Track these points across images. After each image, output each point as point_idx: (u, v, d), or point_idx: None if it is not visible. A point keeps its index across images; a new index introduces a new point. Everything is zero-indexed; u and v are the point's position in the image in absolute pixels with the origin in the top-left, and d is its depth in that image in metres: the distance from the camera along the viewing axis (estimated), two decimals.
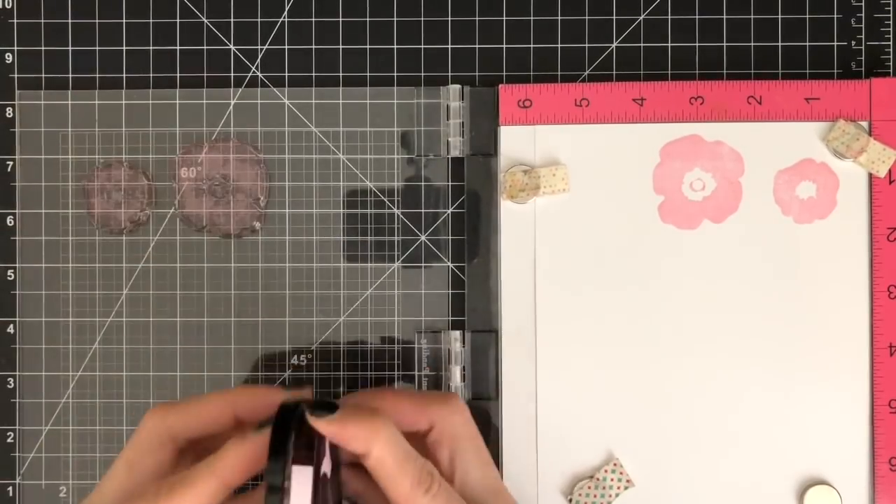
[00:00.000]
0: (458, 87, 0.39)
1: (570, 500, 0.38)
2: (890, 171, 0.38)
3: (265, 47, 0.40)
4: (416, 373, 0.39)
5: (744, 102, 0.38)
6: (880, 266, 0.38)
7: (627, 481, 0.38)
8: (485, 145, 0.39)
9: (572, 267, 0.39)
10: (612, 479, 0.38)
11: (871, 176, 0.38)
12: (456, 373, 0.39)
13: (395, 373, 0.40)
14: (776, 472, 0.38)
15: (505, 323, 0.39)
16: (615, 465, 0.38)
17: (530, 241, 0.39)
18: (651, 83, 0.39)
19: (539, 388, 0.38)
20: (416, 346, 0.40)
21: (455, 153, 0.39)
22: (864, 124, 0.38)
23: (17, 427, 0.40)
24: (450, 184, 0.40)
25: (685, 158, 0.39)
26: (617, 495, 0.38)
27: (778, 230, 0.38)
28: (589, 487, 0.38)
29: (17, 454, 0.40)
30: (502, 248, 0.39)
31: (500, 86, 0.39)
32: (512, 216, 0.39)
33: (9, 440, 0.40)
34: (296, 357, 0.40)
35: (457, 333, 0.39)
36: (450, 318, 0.40)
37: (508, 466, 0.38)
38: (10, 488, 0.40)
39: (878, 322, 0.38)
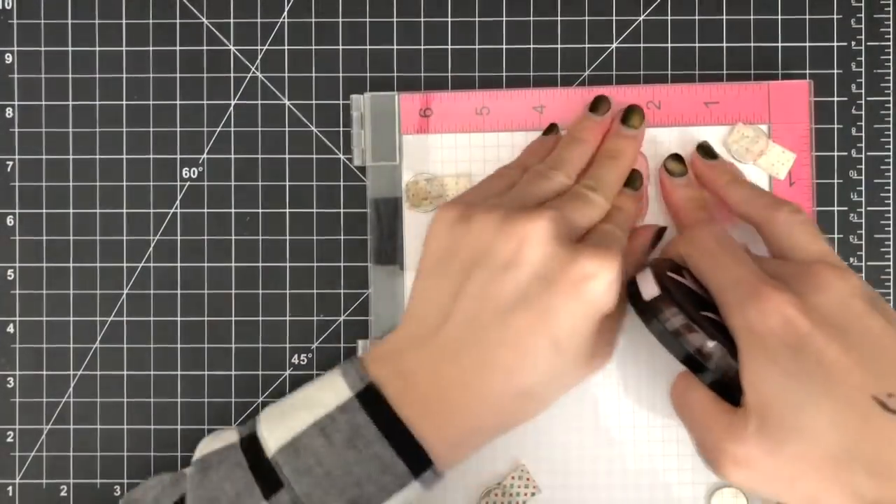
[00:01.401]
0: (359, 96, 0.39)
1: None
2: (790, 173, 0.38)
3: (265, 47, 0.40)
4: None
5: (643, 108, 0.38)
6: None
7: (534, 488, 0.38)
8: (387, 153, 0.39)
9: None
10: (518, 486, 0.38)
11: (771, 178, 0.38)
12: None
13: None
14: (685, 476, 0.38)
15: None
16: (522, 471, 0.38)
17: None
18: (550, 90, 0.39)
19: None
20: None
21: (357, 161, 0.39)
22: (764, 127, 0.38)
23: (16, 427, 0.40)
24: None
25: None
26: (524, 502, 0.38)
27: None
28: (496, 495, 0.38)
29: (16, 454, 0.40)
30: (406, 254, 0.39)
31: (401, 94, 0.39)
32: (416, 223, 0.39)
33: (9, 440, 0.40)
34: (296, 357, 0.40)
35: (363, 342, 0.39)
36: None
37: None
38: (10, 488, 0.40)
39: None
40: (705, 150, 0.37)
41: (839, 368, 0.28)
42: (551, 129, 0.38)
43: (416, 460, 0.30)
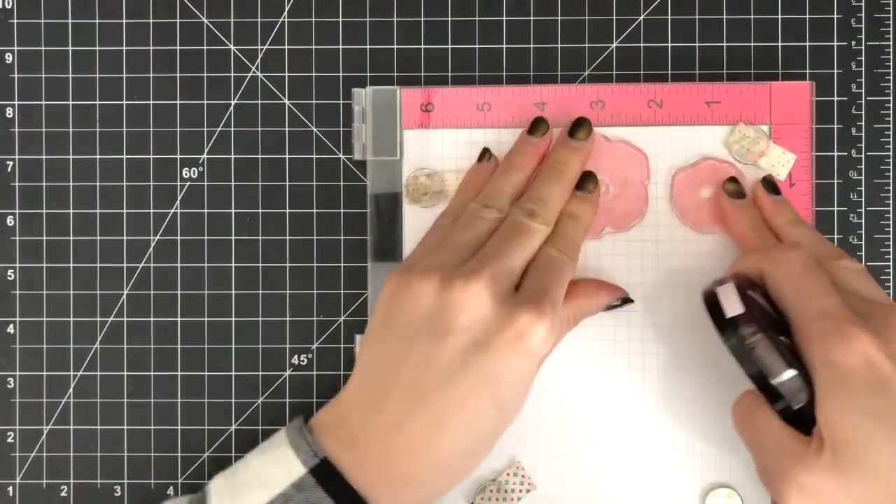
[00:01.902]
0: (360, 90, 0.39)
1: None
2: (790, 174, 0.38)
3: (265, 47, 0.40)
4: None
5: (644, 106, 0.38)
6: None
7: (529, 484, 0.38)
8: (388, 148, 0.39)
9: None
10: (514, 483, 0.38)
11: None
12: None
13: None
14: (679, 476, 0.38)
15: None
16: (517, 468, 0.38)
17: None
18: (551, 86, 0.39)
19: None
20: None
21: (358, 156, 0.39)
22: (765, 128, 0.38)
23: (17, 427, 0.40)
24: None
25: (587, 161, 0.38)
26: (519, 499, 0.38)
27: (677, 236, 0.38)
28: (491, 491, 0.38)
29: (17, 454, 0.40)
30: (406, 250, 0.39)
31: (403, 89, 0.39)
32: (416, 218, 0.39)
33: (9, 440, 0.40)
34: (296, 357, 0.40)
35: (360, 337, 0.39)
36: None
37: None
38: (10, 488, 0.40)
39: None
40: (771, 186, 0.37)
41: None
42: (484, 154, 0.38)
43: None
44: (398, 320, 0.33)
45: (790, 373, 0.31)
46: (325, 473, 0.31)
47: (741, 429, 0.33)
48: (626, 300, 0.37)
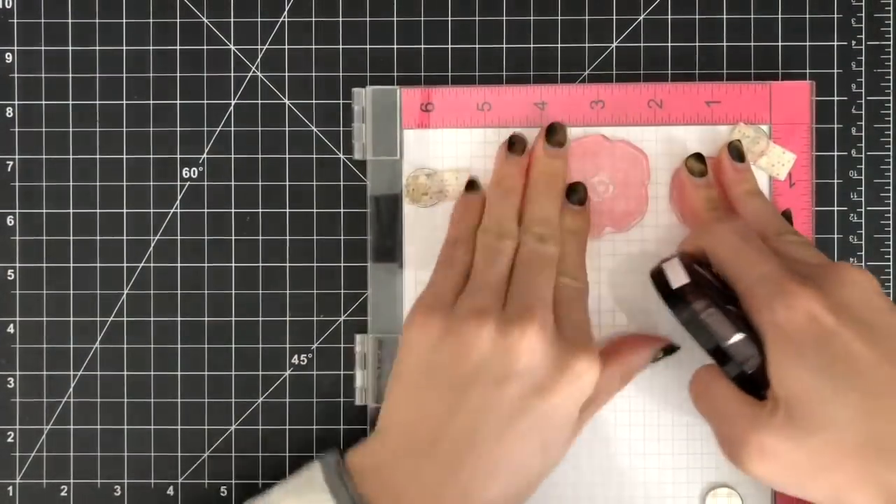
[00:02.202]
0: (360, 90, 0.39)
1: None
2: (790, 174, 0.38)
3: (265, 47, 0.40)
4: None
5: (644, 106, 0.38)
6: None
7: None
8: (388, 148, 0.39)
9: None
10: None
11: (771, 178, 0.38)
12: (359, 376, 0.39)
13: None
14: (679, 476, 0.38)
15: None
16: None
17: (434, 243, 0.38)
18: (552, 86, 0.39)
19: None
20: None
21: (358, 156, 0.39)
22: (765, 128, 0.38)
23: (17, 427, 0.40)
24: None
25: (587, 161, 0.38)
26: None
27: (677, 236, 0.38)
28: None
29: (17, 454, 0.40)
30: (406, 250, 0.39)
31: (403, 89, 0.39)
32: (416, 219, 0.39)
33: (9, 440, 0.40)
34: (296, 357, 0.40)
35: (360, 337, 0.39)
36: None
37: None
38: (10, 488, 0.40)
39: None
40: (737, 152, 0.37)
41: (866, 362, 0.29)
42: (471, 185, 0.38)
43: None
44: (447, 368, 0.32)
45: (739, 336, 0.32)
46: None
47: (699, 402, 0.34)
48: (672, 348, 0.37)
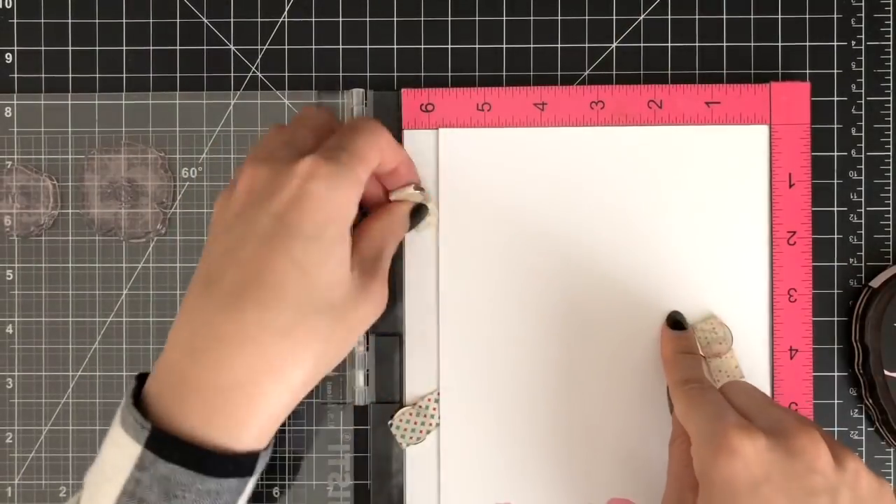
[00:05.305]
0: (360, 90, 0.39)
1: (391, 425, 0.38)
2: (790, 175, 0.38)
3: (265, 47, 0.40)
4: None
5: (644, 106, 0.38)
6: (779, 156, 0.39)
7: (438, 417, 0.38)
8: None
9: (475, 270, 0.39)
10: (433, 409, 0.38)
11: (770, 178, 0.38)
12: (360, 376, 0.39)
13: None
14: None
15: (409, 327, 0.39)
16: (436, 395, 0.38)
17: (433, 244, 0.39)
18: (551, 87, 0.39)
19: (442, 390, 0.38)
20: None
21: None
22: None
23: (16, 427, 0.40)
24: None
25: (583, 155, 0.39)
26: (437, 424, 0.38)
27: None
28: (410, 415, 0.38)
29: (16, 455, 0.40)
30: (405, 252, 0.39)
31: (403, 90, 0.39)
32: (414, 233, 0.39)
33: (8, 440, 0.40)
34: None
35: (360, 337, 0.39)
36: None
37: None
38: (10, 488, 0.40)
39: (777, 212, 0.38)
40: (674, 321, 0.38)
41: None
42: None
43: (241, 469, 0.30)
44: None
45: None
46: (161, 442, 0.28)
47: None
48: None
